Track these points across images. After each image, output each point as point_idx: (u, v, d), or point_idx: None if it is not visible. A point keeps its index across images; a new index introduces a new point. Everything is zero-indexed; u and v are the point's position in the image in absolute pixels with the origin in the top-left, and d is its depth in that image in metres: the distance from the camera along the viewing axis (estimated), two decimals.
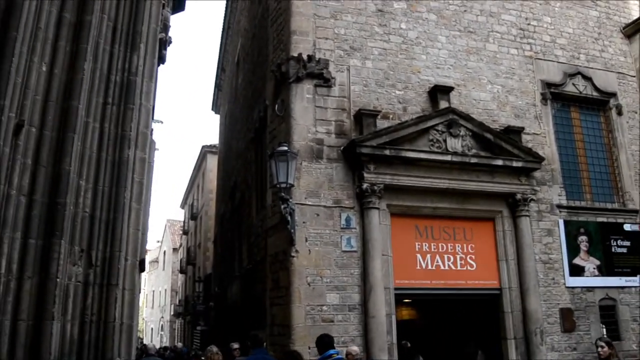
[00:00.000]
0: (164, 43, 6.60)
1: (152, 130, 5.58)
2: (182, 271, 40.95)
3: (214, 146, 30.33)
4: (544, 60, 12.78)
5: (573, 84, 12.94)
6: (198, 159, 34.85)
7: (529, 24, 12.87)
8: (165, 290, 49.15)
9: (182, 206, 44.91)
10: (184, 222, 42.25)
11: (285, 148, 8.98)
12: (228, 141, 21.14)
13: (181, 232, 43.78)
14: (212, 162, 30.24)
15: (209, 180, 30.97)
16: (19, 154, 4.09)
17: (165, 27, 6.47)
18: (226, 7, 21.63)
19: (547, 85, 12.58)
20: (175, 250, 45.83)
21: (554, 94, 12.66)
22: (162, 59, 6.54)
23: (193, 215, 36.65)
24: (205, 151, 32.17)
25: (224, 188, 21.37)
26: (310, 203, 9.80)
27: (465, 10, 12.24)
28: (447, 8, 12.08)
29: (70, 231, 4.38)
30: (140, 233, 5.20)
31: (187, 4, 7.85)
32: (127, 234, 4.92)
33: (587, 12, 13.75)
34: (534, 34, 12.85)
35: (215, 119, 28.11)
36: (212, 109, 28.11)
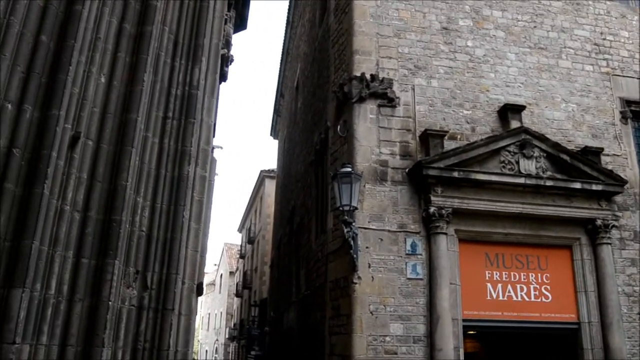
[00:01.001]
0: (226, 60, 6.43)
1: (213, 147, 5.34)
2: (238, 295, 41.04)
3: (272, 171, 30.42)
4: (622, 76, 11.91)
5: None
6: (256, 184, 35.07)
7: (604, 39, 12.08)
8: (221, 313, 49.39)
9: (240, 230, 45.26)
10: (241, 245, 42.52)
11: (349, 169, 8.62)
12: (287, 165, 21.03)
13: (238, 256, 44.06)
14: (270, 186, 30.30)
15: (267, 205, 31.01)
16: (74, 167, 3.90)
17: (228, 44, 6.30)
18: (285, 34, 21.78)
19: (627, 102, 11.69)
20: (231, 273, 46.12)
21: (634, 112, 11.74)
22: (223, 76, 6.35)
23: (250, 239, 36.76)
24: (264, 176, 32.32)
25: (282, 212, 21.20)
26: (373, 227, 9.34)
27: (535, 27, 11.62)
28: (515, 24, 11.51)
29: (125, 251, 4.14)
30: (198, 255, 4.92)
31: (249, 23, 7.69)
32: (184, 256, 4.64)
33: None
34: (610, 49, 12.05)
35: (274, 144, 28.26)
36: (271, 134, 28.26)
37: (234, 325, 41.48)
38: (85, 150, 4.02)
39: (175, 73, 4.82)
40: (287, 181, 20.07)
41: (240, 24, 7.13)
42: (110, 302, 3.84)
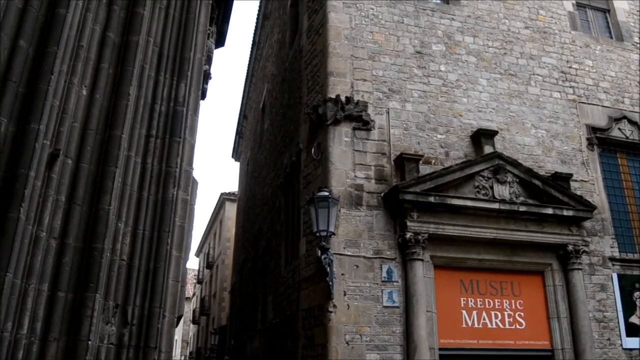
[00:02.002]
0: (206, 76, 6.10)
1: (193, 168, 4.97)
2: (195, 321, 39.78)
3: (233, 194, 29.83)
4: (588, 104, 12.19)
5: (619, 129, 12.28)
6: (216, 207, 34.33)
7: (570, 67, 12.36)
8: (176, 340, 47.76)
9: (197, 254, 44.14)
10: (199, 270, 41.41)
11: (327, 193, 8.35)
12: (251, 188, 20.60)
13: (195, 281, 42.86)
14: (231, 209, 29.67)
15: (227, 229, 30.33)
16: (51, 189, 3.48)
17: (209, 59, 5.99)
18: (250, 55, 21.54)
19: (593, 129, 11.94)
20: (188, 299, 44.76)
21: (599, 139, 11.99)
22: (203, 94, 6.01)
23: (208, 264, 35.83)
24: (224, 199, 31.66)
25: (245, 236, 20.68)
26: (349, 253, 9.07)
27: (505, 53, 11.78)
28: (486, 50, 11.63)
29: (105, 283, 3.71)
30: (179, 285, 4.51)
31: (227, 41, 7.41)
32: (166, 287, 4.23)
33: (629, 56, 13.25)
34: (576, 77, 12.33)
35: (235, 166, 27.79)
36: (232, 156, 27.78)
37: (190, 353, 40.13)
38: (64, 170, 3.60)
39: (160, 88, 4.46)
40: (251, 204, 19.61)
41: (219, 40, 6.83)
42: (89, 342, 3.40)
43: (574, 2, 13.24)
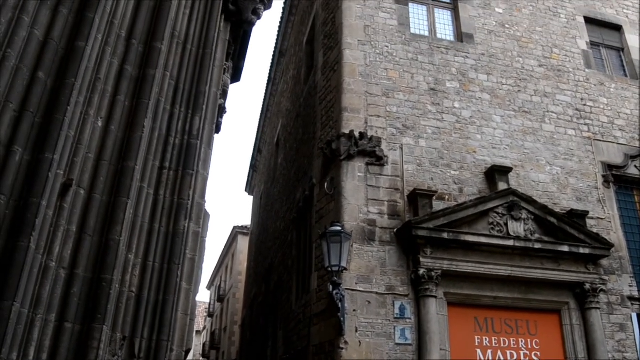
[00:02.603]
0: (221, 110, 6.18)
1: (205, 201, 4.98)
2: (204, 355, 39.32)
3: (246, 227, 29.82)
4: (603, 141, 12.11)
5: (635, 167, 12.15)
6: (228, 240, 34.30)
7: (585, 105, 12.34)
8: None
9: (209, 287, 43.92)
10: (210, 303, 41.12)
11: (339, 228, 8.31)
12: (263, 222, 20.58)
13: (206, 314, 42.54)
14: (243, 243, 29.61)
15: (239, 262, 30.22)
16: (63, 218, 3.49)
17: (224, 94, 6.07)
18: (266, 90, 21.84)
19: (609, 167, 11.83)
20: (198, 332, 44.35)
21: (616, 176, 11.86)
22: (218, 127, 6.08)
23: (220, 297, 35.59)
24: (237, 232, 31.65)
25: (257, 270, 20.57)
26: (361, 289, 8.96)
27: (519, 91, 11.81)
28: (500, 88, 11.68)
29: (113, 314, 3.68)
30: (188, 319, 4.47)
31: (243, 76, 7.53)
32: (175, 319, 4.19)
33: None
34: (591, 114, 12.29)
35: (248, 200, 27.86)
36: (246, 190, 27.89)
37: None
38: (77, 200, 3.62)
39: (175, 120, 4.51)
40: (264, 238, 19.57)
41: (235, 75, 6.94)
42: None
43: (588, 40, 13.30)
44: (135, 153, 3.95)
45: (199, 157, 4.76)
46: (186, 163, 4.51)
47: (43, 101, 3.53)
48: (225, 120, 7.12)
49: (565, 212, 10.62)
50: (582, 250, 10.14)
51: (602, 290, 10.18)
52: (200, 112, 4.68)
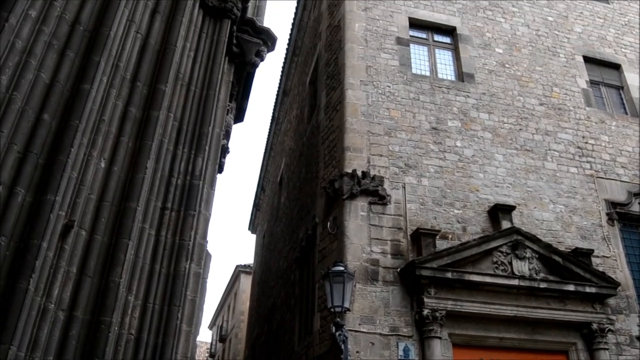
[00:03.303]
0: (224, 150, 6.22)
1: (207, 242, 4.96)
2: None
3: (249, 266, 29.62)
4: (606, 179, 12.11)
5: (639, 204, 12.11)
6: (231, 279, 34.02)
7: (586, 143, 12.39)
8: None
9: (210, 327, 43.32)
10: (211, 344, 40.51)
11: (342, 268, 8.23)
12: (266, 261, 20.45)
13: (207, 355, 41.84)
14: (246, 282, 29.37)
15: (241, 302, 29.90)
16: (63, 260, 3.47)
17: (227, 134, 6.12)
18: (270, 129, 22.05)
19: (612, 204, 11.79)
20: None
21: (620, 214, 11.80)
22: (220, 167, 6.11)
23: (221, 337, 35.06)
24: (239, 271, 31.42)
25: (259, 310, 20.32)
26: (364, 330, 8.83)
27: (520, 129, 11.89)
28: (501, 126, 11.76)
29: (111, 357, 3.62)
30: None
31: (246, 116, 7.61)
32: None
33: None
34: (592, 152, 12.32)
35: (251, 238, 27.75)
36: (249, 229, 27.81)
37: None
38: (77, 241, 3.61)
39: (177, 161, 4.54)
40: (266, 277, 19.40)
41: (238, 116, 7.02)
42: None
43: (587, 79, 13.46)
44: (137, 194, 3.96)
45: (201, 198, 4.76)
46: (188, 204, 4.51)
47: (47, 142, 3.56)
48: (229, 159, 7.17)
49: (570, 250, 10.54)
50: (588, 290, 10.02)
51: (609, 330, 10.01)
52: (202, 152, 4.71)
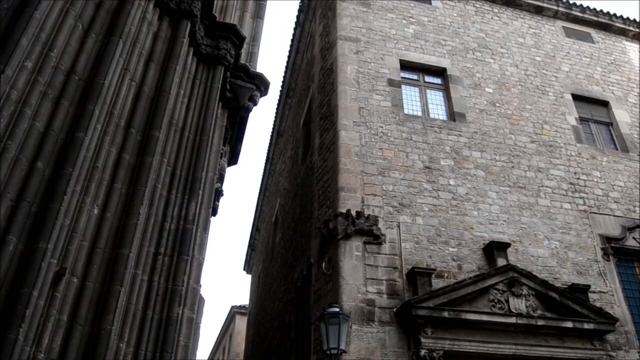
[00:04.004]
0: (217, 194, 6.26)
1: (200, 286, 4.95)
2: None
3: (244, 307, 29.24)
4: (600, 214, 12.16)
5: (634, 238, 12.13)
6: (226, 320, 33.49)
7: (578, 179, 12.50)
8: None
9: None
10: None
11: (337, 309, 8.18)
12: (261, 302, 20.22)
13: None
14: (241, 323, 28.91)
15: (237, 343, 29.37)
16: (54, 308, 3.45)
17: (221, 177, 6.17)
18: (264, 169, 22.15)
19: (607, 239, 11.80)
20: None
21: (615, 248, 11.81)
22: (214, 210, 6.13)
23: None
24: (235, 312, 30.96)
25: (254, 352, 19.98)
26: None
27: (513, 166, 12.00)
28: (494, 164, 11.87)
29: None
30: None
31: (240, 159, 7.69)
32: None
33: (636, 166, 13.39)
34: (585, 187, 12.42)
35: (246, 279, 27.51)
36: (244, 269, 27.62)
37: None
38: (69, 289, 3.60)
39: (171, 206, 4.57)
40: (262, 318, 19.15)
41: (232, 158, 7.09)
42: None
43: (577, 116, 13.68)
44: (130, 240, 3.97)
45: (195, 242, 4.77)
46: (181, 248, 4.52)
47: (40, 190, 3.59)
48: (223, 201, 7.21)
49: (566, 286, 10.50)
50: (586, 326, 9.93)
51: None
52: (196, 197, 4.75)
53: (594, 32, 16.11)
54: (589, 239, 11.67)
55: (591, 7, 16.16)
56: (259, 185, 23.38)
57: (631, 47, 16.42)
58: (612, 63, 15.52)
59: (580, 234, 11.66)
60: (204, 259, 5.03)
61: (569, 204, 11.99)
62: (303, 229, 12.60)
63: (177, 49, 5.09)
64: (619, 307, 10.97)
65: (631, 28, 16.53)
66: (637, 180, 13.12)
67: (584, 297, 10.41)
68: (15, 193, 3.50)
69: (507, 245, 10.60)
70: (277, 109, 19.22)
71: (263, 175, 22.41)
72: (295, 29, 16.65)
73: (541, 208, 11.65)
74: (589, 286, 10.69)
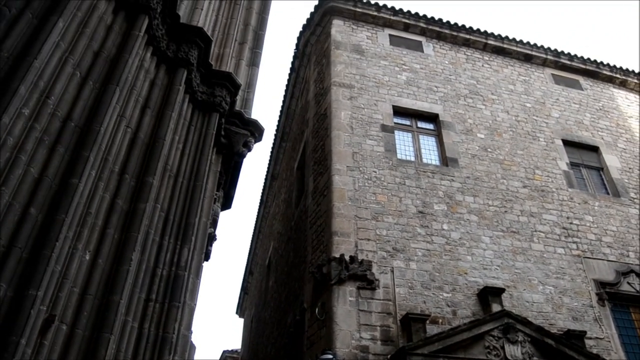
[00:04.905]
0: (210, 239, 6.25)
1: (191, 332, 4.89)
2: None
3: (236, 351, 28.64)
4: (593, 258, 12.16)
5: (628, 283, 12.09)
6: None
7: (571, 223, 12.55)
8: None
9: None
10: None
11: (331, 356, 8.07)
12: (254, 347, 19.86)
13: None
14: None
15: None
16: (41, 356, 3.40)
17: (214, 223, 6.18)
18: (258, 212, 22.13)
19: (601, 284, 11.75)
20: None
21: (609, 293, 11.75)
22: (207, 255, 6.11)
23: None
24: (226, 356, 30.27)
25: None
26: None
27: (505, 211, 12.06)
28: (487, 209, 11.93)
29: None
30: None
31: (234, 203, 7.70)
32: None
33: (627, 210, 13.49)
34: (578, 232, 12.46)
35: (239, 322, 27.09)
36: (237, 313, 27.24)
37: None
38: (58, 336, 3.55)
39: (163, 252, 4.57)
40: None
41: (226, 203, 7.11)
42: None
43: (568, 161, 13.85)
44: (121, 287, 3.95)
45: (187, 288, 4.75)
46: (173, 295, 4.49)
47: (32, 236, 3.59)
48: (216, 245, 7.20)
49: (562, 332, 10.38)
50: None
51: None
52: (189, 243, 4.75)
53: (582, 80, 16.50)
54: (584, 284, 11.63)
55: (579, 55, 16.58)
56: (253, 228, 23.33)
57: (619, 93, 16.80)
58: (600, 109, 15.84)
59: (574, 278, 11.63)
60: (195, 305, 4.99)
61: (562, 248, 12.00)
62: (296, 273, 12.51)
63: (173, 96, 5.18)
64: (615, 354, 10.84)
65: (618, 75, 16.95)
66: (629, 224, 13.19)
67: (581, 343, 10.29)
68: (7, 239, 3.49)
69: (502, 290, 10.53)
70: (272, 152, 19.38)
71: (257, 218, 22.38)
72: (290, 74, 16.97)
73: (535, 253, 11.65)
74: (585, 332, 10.58)
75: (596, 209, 13.13)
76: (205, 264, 5.87)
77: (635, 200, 13.77)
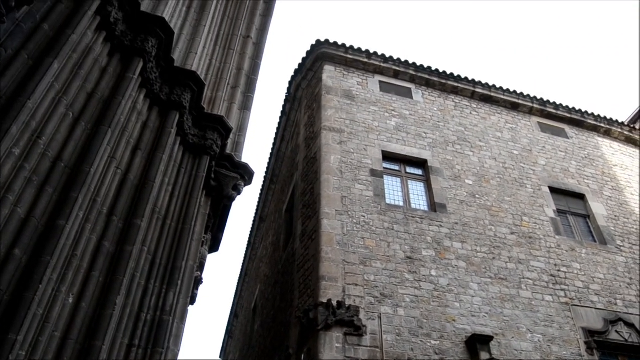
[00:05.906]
0: (197, 282, 6.17)
1: None
2: None
3: None
4: (581, 306, 12.10)
5: (617, 332, 12.01)
6: None
7: (559, 271, 12.54)
8: None
9: None
10: None
11: None
12: None
13: None
14: None
15: None
16: None
17: (201, 266, 6.11)
18: (245, 254, 21.94)
19: (590, 333, 11.66)
20: None
21: (598, 342, 11.62)
22: (193, 299, 6.02)
23: None
24: None
25: None
26: None
27: (494, 258, 12.05)
28: (475, 255, 11.91)
29: None
30: None
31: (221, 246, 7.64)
32: None
33: (614, 258, 13.52)
34: (565, 279, 12.43)
35: None
36: (220, 356, 26.63)
37: None
38: None
39: (148, 296, 4.49)
40: None
41: (214, 246, 7.05)
42: None
43: (555, 209, 13.95)
44: (103, 332, 3.86)
45: (171, 333, 4.65)
46: (156, 340, 4.39)
47: (15, 278, 3.52)
48: (202, 286, 7.08)
49: None
50: None
51: None
52: (175, 287, 4.68)
53: (567, 128, 16.81)
54: (572, 332, 11.53)
55: (564, 105, 16.95)
56: (239, 271, 23.06)
57: (603, 142, 17.11)
58: (586, 157, 16.09)
59: (562, 327, 11.54)
60: (179, 350, 4.88)
61: (550, 296, 11.95)
62: (283, 317, 12.32)
63: (164, 139, 5.20)
64: None
65: (602, 125, 17.30)
66: (617, 272, 13.21)
67: None
68: None
69: (490, 338, 10.41)
70: (261, 194, 19.35)
71: (244, 260, 22.15)
72: (281, 117, 17.13)
73: (523, 300, 11.58)
74: None
75: (583, 256, 13.16)
76: (190, 307, 5.76)
77: (622, 247, 13.84)
